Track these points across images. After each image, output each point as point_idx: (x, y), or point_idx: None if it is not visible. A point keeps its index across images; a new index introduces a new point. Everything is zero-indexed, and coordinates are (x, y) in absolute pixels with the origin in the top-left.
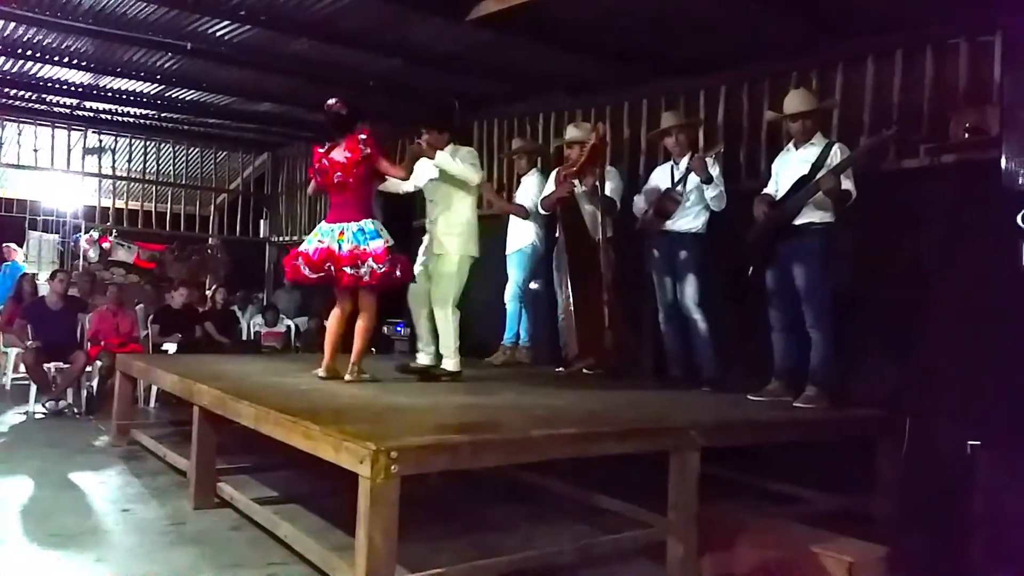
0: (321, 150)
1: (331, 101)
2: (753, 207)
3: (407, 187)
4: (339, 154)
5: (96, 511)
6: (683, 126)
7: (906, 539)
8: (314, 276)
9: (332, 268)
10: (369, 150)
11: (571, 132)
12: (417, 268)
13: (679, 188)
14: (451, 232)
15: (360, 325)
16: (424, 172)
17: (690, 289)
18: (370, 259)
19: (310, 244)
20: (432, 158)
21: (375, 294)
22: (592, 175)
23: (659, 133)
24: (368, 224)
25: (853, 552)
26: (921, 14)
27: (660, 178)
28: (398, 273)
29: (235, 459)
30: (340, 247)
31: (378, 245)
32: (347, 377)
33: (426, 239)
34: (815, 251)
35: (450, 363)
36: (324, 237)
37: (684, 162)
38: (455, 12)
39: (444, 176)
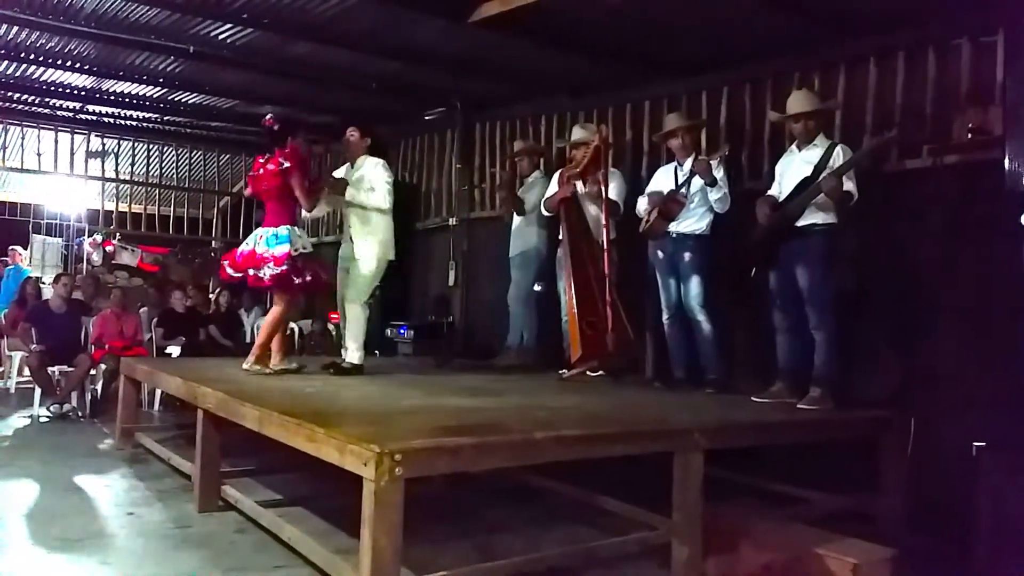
0: (262, 160)
1: (267, 116)
2: (756, 208)
3: (316, 213)
4: (269, 165)
5: (101, 514)
6: (688, 127)
7: (911, 540)
8: (236, 275)
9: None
10: (288, 164)
11: (576, 133)
12: (340, 274)
13: (683, 190)
14: (367, 238)
15: (266, 319)
16: (332, 199)
17: (695, 291)
18: (271, 263)
19: (243, 247)
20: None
21: (287, 294)
22: (595, 177)
23: (664, 135)
24: (283, 230)
25: (858, 553)
26: (923, 15)
27: (663, 179)
28: (306, 278)
29: (239, 462)
30: (256, 250)
31: (282, 250)
32: (253, 367)
33: (343, 247)
34: (818, 252)
35: (355, 356)
36: (250, 241)
37: (688, 163)
38: (457, 14)
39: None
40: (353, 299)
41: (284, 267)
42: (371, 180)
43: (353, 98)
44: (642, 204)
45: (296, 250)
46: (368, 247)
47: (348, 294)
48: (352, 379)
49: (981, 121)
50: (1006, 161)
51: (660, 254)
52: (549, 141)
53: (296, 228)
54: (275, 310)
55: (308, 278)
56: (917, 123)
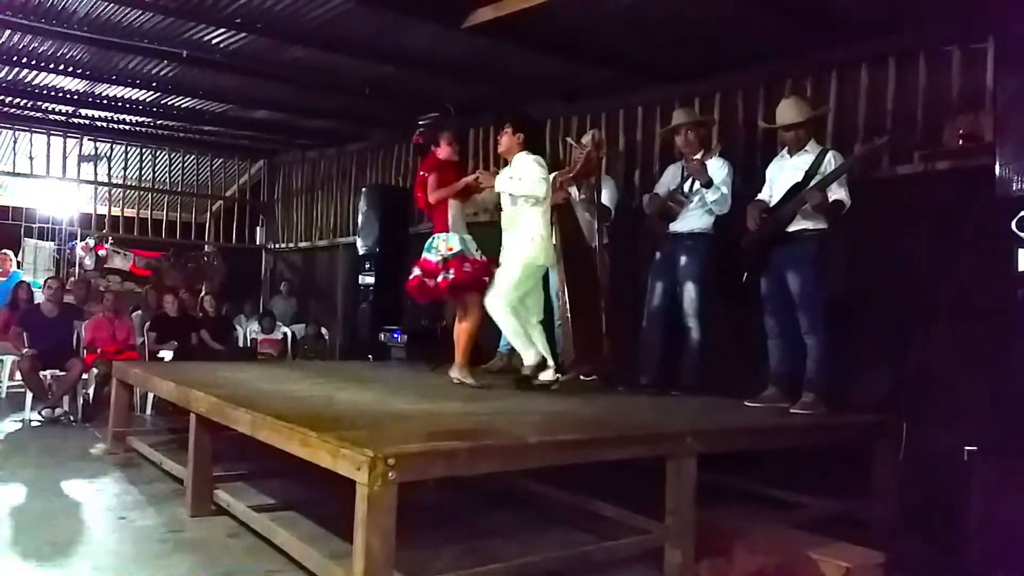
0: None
1: (415, 132)
2: (747, 213)
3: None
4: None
5: (92, 519)
6: (692, 124)
7: (903, 544)
8: (429, 294)
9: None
10: (423, 173)
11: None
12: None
13: (684, 189)
14: (516, 239)
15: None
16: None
17: (689, 296)
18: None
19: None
20: (492, 186)
21: (456, 298)
22: (588, 182)
23: (669, 130)
24: (435, 238)
25: (850, 557)
26: (914, 21)
27: (671, 177)
28: (459, 275)
29: (232, 466)
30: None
31: (428, 258)
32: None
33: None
34: (809, 258)
35: (529, 359)
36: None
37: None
38: (450, 19)
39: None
40: (488, 301)
41: (430, 274)
42: (522, 174)
43: (346, 103)
44: (647, 201)
45: (455, 250)
46: (515, 248)
47: (487, 296)
48: (348, 383)
49: (972, 127)
50: (997, 167)
51: (658, 254)
52: (542, 145)
53: (446, 234)
54: (463, 319)
55: (460, 276)
56: (908, 129)
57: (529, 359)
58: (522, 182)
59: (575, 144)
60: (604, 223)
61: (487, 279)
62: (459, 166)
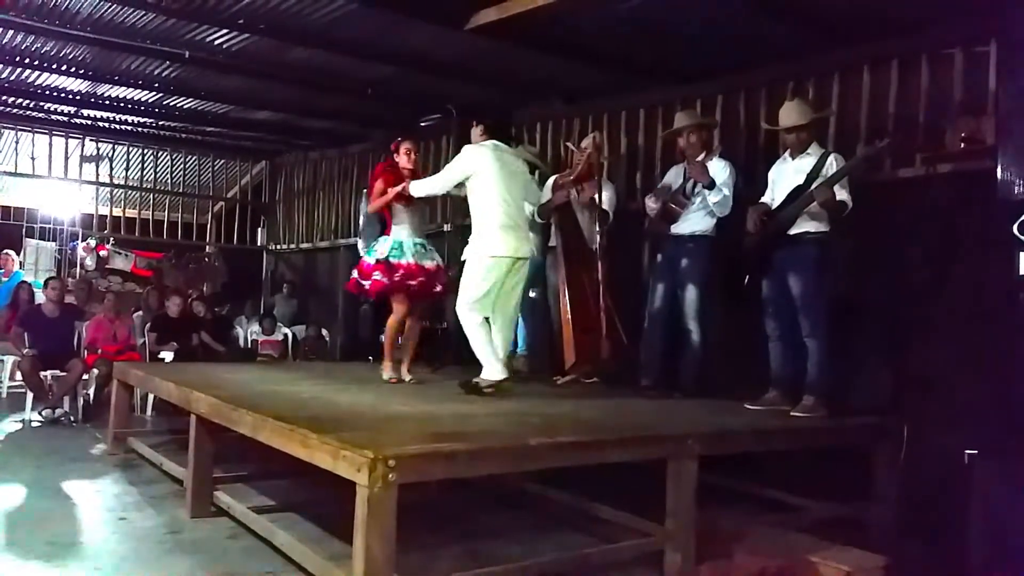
0: None
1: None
2: (748, 216)
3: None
4: None
5: (92, 519)
6: (695, 126)
7: (903, 547)
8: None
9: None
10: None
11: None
12: None
13: (685, 190)
14: (474, 235)
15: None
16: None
17: (690, 299)
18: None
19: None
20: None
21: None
22: (589, 184)
23: (672, 132)
24: (380, 239)
25: (851, 561)
26: (916, 24)
27: (673, 179)
28: (389, 280)
29: (232, 467)
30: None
31: (367, 260)
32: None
33: None
34: (811, 260)
35: (488, 371)
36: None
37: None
38: (453, 21)
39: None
40: (457, 309)
41: (372, 276)
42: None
43: (348, 104)
44: (650, 202)
45: (381, 256)
46: (471, 246)
47: (457, 304)
48: (349, 385)
49: (974, 130)
50: (998, 170)
51: (660, 256)
52: (544, 147)
53: (386, 238)
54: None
55: (375, 284)
56: (909, 132)
57: (492, 374)
58: (425, 180)
59: (575, 149)
60: (603, 227)
61: (433, 286)
62: (412, 173)
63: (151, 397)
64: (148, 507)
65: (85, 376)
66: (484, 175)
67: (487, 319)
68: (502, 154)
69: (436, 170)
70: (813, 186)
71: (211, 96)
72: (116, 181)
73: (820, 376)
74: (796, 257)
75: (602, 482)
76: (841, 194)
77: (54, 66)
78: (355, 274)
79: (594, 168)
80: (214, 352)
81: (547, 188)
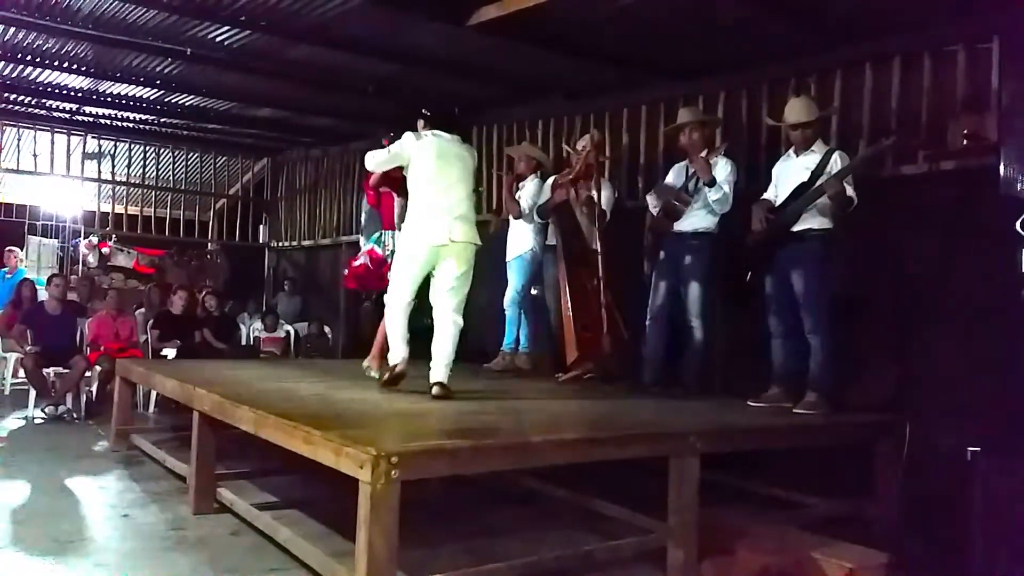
0: None
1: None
2: (752, 213)
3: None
4: None
5: (95, 516)
6: (697, 123)
7: (906, 544)
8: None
9: None
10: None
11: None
12: None
13: (688, 188)
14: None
15: None
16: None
17: (693, 297)
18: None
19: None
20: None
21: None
22: (587, 183)
23: (673, 129)
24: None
25: (853, 558)
26: (919, 21)
27: (675, 177)
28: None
29: (235, 464)
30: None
31: (378, 249)
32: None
33: None
34: (814, 257)
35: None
36: None
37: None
38: (455, 18)
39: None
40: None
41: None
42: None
43: (350, 101)
44: (652, 200)
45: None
46: (400, 235)
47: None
48: (351, 382)
49: (976, 127)
50: (1001, 167)
51: (663, 253)
52: (546, 144)
53: (393, 232)
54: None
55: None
56: (912, 129)
57: (395, 358)
58: (372, 152)
59: (572, 151)
60: (601, 226)
61: None
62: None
63: (153, 394)
64: (151, 504)
65: (88, 373)
66: (416, 163)
67: (429, 310)
68: (441, 142)
69: None
70: (820, 181)
71: (213, 93)
72: (118, 178)
73: (823, 373)
74: (799, 254)
75: (604, 479)
76: (848, 190)
77: (56, 63)
78: (364, 260)
79: (592, 167)
80: (217, 349)
81: (546, 186)
